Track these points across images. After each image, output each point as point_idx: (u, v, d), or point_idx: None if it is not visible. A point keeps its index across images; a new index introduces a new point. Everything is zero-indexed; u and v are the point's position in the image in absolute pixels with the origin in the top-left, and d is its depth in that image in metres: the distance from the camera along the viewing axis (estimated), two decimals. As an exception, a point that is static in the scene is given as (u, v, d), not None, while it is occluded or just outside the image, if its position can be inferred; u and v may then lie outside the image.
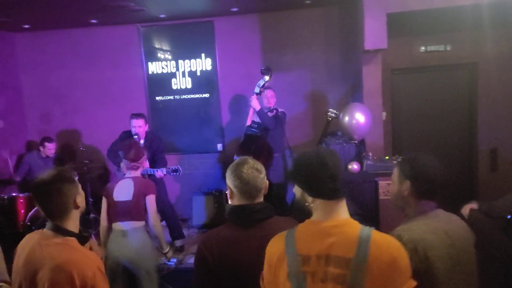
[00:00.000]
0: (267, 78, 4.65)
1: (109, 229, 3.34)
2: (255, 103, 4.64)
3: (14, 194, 4.93)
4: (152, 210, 3.33)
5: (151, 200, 3.34)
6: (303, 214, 1.59)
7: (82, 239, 1.88)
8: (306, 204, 1.55)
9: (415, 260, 1.65)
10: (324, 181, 1.48)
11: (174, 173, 4.49)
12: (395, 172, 1.91)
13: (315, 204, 1.52)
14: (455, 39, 5.16)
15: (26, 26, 5.59)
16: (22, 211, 4.83)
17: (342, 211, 1.52)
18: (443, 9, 4.25)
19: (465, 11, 4.32)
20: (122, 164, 4.58)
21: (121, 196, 3.30)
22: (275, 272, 1.51)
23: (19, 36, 6.05)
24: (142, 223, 3.32)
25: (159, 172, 4.45)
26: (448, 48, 5.18)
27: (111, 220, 3.32)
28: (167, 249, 3.57)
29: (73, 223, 1.89)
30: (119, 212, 3.27)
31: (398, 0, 4.28)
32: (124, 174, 3.47)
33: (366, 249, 1.38)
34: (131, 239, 3.24)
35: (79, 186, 1.95)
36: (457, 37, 5.15)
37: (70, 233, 1.85)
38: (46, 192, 1.82)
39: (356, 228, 1.46)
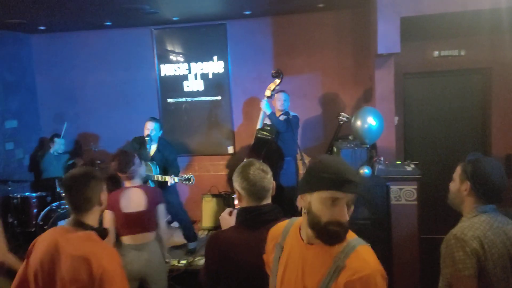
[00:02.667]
0: (277, 81, 4.65)
1: (117, 243, 3.10)
2: (265, 106, 4.63)
3: (27, 194, 5.00)
4: (164, 219, 3.22)
5: (162, 209, 3.21)
6: None
7: (102, 233, 1.95)
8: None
9: (479, 256, 1.71)
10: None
11: (187, 182, 4.43)
12: (457, 171, 1.94)
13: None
14: (469, 44, 5.10)
15: (42, 28, 5.68)
16: (35, 210, 4.90)
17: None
18: (458, 13, 4.21)
19: (480, 16, 4.27)
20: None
21: (131, 207, 3.08)
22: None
23: (35, 38, 6.15)
24: (154, 234, 3.16)
25: (171, 180, 4.42)
26: (462, 53, 5.13)
27: (120, 233, 3.09)
28: (169, 260, 3.51)
29: (93, 218, 1.97)
30: (130, 224, 3.06)
31: (412, 4, 4.25)
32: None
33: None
34: (146, 253, 3.07)
35: (105, 185, 2.05)
36: (471, 42, 5.09)
37: (91, 227, 1.92)
38: (75, 185, 1.92)
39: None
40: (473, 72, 5.21)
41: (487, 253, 1.74)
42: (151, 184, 4.46)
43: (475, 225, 1.80)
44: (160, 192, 3.27)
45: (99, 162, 5.53)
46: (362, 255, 1.42)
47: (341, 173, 1.39)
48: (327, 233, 1.40)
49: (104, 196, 2.01)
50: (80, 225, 1.91)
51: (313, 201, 1.43)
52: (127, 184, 3.20)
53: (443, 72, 5.24)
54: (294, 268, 1.50)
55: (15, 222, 4.88)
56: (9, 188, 5.10)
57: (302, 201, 1.48)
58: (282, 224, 1.66)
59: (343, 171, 1.40)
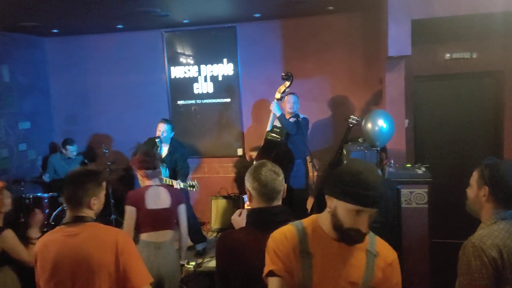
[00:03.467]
0: (287, 83, 4.66)
1: (136, 240, 3.06)
2: (275, 108, 4.64)
3: (39, 194, 5.06)
4: (185, 219, 3.26)
5: (184, 209, 3.25)
6: None
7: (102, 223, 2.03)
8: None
9: (497, 266, 1.68)
10: (371, 187, 1.43)
11: (191, 188, 4.51)
12: (474, 176, 1.90)
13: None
14: (481, 47, 5.05)
15: (55, 31, 5.76)
16: (47, 211, 4.95)
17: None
18: (470, 16, 4.18)
19: (492, 18, 4.23)
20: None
21: (156, 204, 3.11)
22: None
23: (48, 40, 6.24)
24: (172, 233, 3.19)
25: (177, 185, 4.46)
26: (474, 55, 5.08)
27: (140, 230, 3.11)
28: (183, 262, 3.52)
29: (91, 213, 2.02)
30: (153, 220, 3.09)
31: (424, 6, 4.23)
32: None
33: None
34: (165, 251, 3.09)
35: (103, 191, 2.06)
36: (483, 45, 5.04)
37: (90, 219, 1.98)
38: (71, 180, 1.98)
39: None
40: (485, 75, 5.16)
41: (505, 262, 1.70)
42: None
43: (495, 233, 1.75)
44: (182, 193, 3.35)
45: (109, 163, 5.58)
46: (381, 241, 1.62)
47: (368, 188, 1.42)
48: (348, 237, 1.49)
49: (97, 201, 2.02)
50: (81, 219, 1.96)
51: (338, 207, 1.49)
52: (146, 183, 3.22)
53: (455, 75, 5.20)
54: (333, 268, 1.52)
55: (26, 221, 4.92)
56: (22, 188, 5.17)
57: (328, 201, 1.54)
58: (289, 232, 1.58)
59: (371, 185, 1.43)
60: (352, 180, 1.45)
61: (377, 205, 1.44)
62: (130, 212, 3.07)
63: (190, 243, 4.97)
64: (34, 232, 2.95)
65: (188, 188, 4.50)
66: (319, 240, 1.55)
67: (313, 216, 1.64)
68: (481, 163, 1.88)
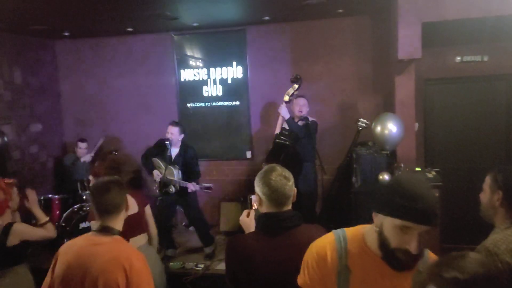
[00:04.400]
0: (296, 86, 4.65)
1: None
2: (284, 111, 4.63)
3: (49, 195, 5.11)
4: (153, 220, 3.31)
5: (149, 210, 3.31)
6: None
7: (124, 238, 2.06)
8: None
9: (511, 271, 1.64)
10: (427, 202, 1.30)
11: (206, 190, 4.52)
12: (487, 181, 1.89)
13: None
14: (492, 50, 5.01)
15: (66, 34, 5.82)
16: (57, 212, 4.99)
17: None
18: (481, 19, 4.14)
19: (504, 21, 4.19)
20: (155, 172, 4.68)
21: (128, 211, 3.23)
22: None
23: (59, 43, 6.31)
24: (146, 236, 3.23)
25: (191, 187, 4.47)
26: (485, 58, 5.03)
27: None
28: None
29: (119, 224, 2.06)
30: (131, 226, 3.04)
31: (435, 9, 4.20)
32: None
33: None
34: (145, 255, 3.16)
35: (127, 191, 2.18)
36: (495, 48, 4.99)
37: (117, 232, 2.02)
38: (106, 189, 2.02)
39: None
40: (496, 78, 5.11)
41: None
42: (172, 189, 4.51)
43: (509, 237, 1.73)
44: (143, 193, 3.33)
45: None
46: (433, 256, 1.44)
47: (417, 201, 1.28)
48: (394, 259, 1.34)
49: (127, 201, 2.12)
50: (107, 230, 1.99)
51: (385, 224, 1.36)
52: None
53: (465, 78, 5.15)
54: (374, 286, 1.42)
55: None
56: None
57: (375, 218, 1.42)
58: (329, 244, 1.50)
59: (420, 198, 1.28)
60: (399, 192, 1.31)
61: (427, 220, 1.27)
62: None
63: (196, 245, 4.97)
64: (38, 213, 3.01)
65: (204, 191, 4.51)
66: (362, 256, 1.44)
67: (359, 228, 1.53)
68: (494, 167, 1.86)
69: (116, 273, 1.83)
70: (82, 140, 5.68)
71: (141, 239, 3.16)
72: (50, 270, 1.98)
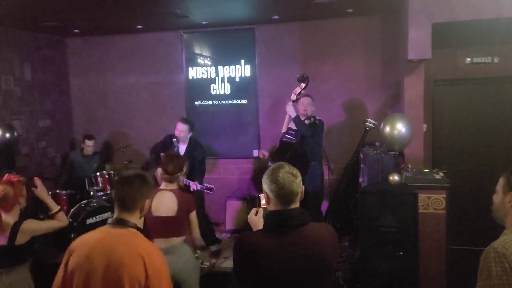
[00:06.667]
0: (303, 85, 4.64)
1: None
2: (290, 110, 4.62)
3: (57, 191, 5.14)
4: (196, 226, 3.20)
5: (194, 217, 3.19)
6: None
7: (144, 233, 2.00)
8: None
9: None
10: None
11: (208, 191, 4.49)
12: (500, 182, 1.88)
13: None
14: (503, 51, 4.96)
15: (76, 31, 5.86)
16: (65, 207, 5.02)
17: None
18: (492, 20, 4.11)
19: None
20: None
21: (162, 211, 3.07)
22: None
23: (69, 40, 6.36)
24: (183, 237, 3.15)
25: (193, 186, 4.46)
26: (496, 60, 4.99)
27: (150, 236, 2.98)
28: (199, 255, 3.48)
29: (135, 219, 1.99)
30: (159, 228, 3.03)
31: (445, 10, 4.17)
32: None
33: None
34: (176, 255, 3.05)
35: (152, 193, 2.11)
36: (506, 49, 4.95)
37: (133, 225, 1.96)
38: (129, 182, 1.97)
39: None
40: (506, 80, 5.06)
41: None
42: None
43: None
44: (193, 199, 3.23)
45: (126, 162, 5.65)
46: None
47: None
48: None
49: (148, 203, 2.04)
50: (123, 222, 1.94)
51: None
52: (162, 186, 3.21)
53: (475, 80, 5.11)
54: None
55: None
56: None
57: None
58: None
59: None
60: None
61: None
62: None
63: (202, 243, 4.98)
64: (50, 202, 3.03)
65: (205, 191, 4.51)
66: None
67: None
68: (508, 169, 1.85)
69: (137, 267, 1.79)
70: (89, 137, 5.69)
71: (174, 240, 3.07)
72: (62, 265, 1.91)
